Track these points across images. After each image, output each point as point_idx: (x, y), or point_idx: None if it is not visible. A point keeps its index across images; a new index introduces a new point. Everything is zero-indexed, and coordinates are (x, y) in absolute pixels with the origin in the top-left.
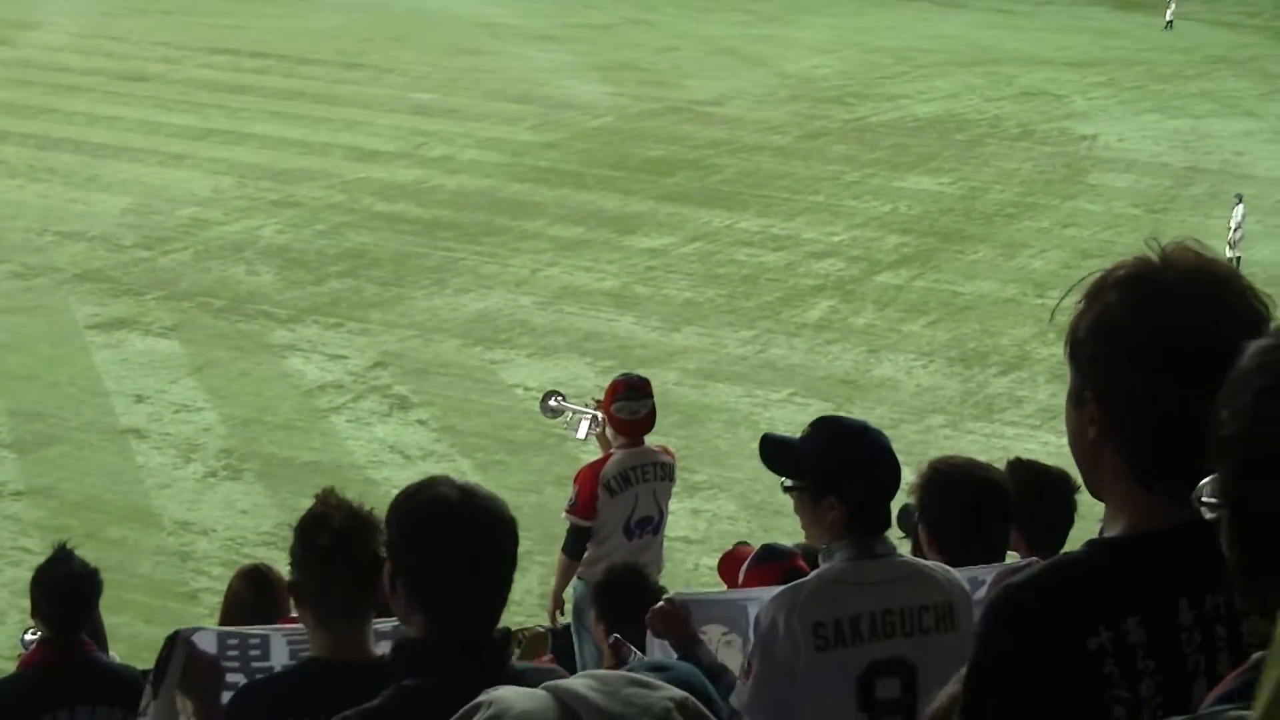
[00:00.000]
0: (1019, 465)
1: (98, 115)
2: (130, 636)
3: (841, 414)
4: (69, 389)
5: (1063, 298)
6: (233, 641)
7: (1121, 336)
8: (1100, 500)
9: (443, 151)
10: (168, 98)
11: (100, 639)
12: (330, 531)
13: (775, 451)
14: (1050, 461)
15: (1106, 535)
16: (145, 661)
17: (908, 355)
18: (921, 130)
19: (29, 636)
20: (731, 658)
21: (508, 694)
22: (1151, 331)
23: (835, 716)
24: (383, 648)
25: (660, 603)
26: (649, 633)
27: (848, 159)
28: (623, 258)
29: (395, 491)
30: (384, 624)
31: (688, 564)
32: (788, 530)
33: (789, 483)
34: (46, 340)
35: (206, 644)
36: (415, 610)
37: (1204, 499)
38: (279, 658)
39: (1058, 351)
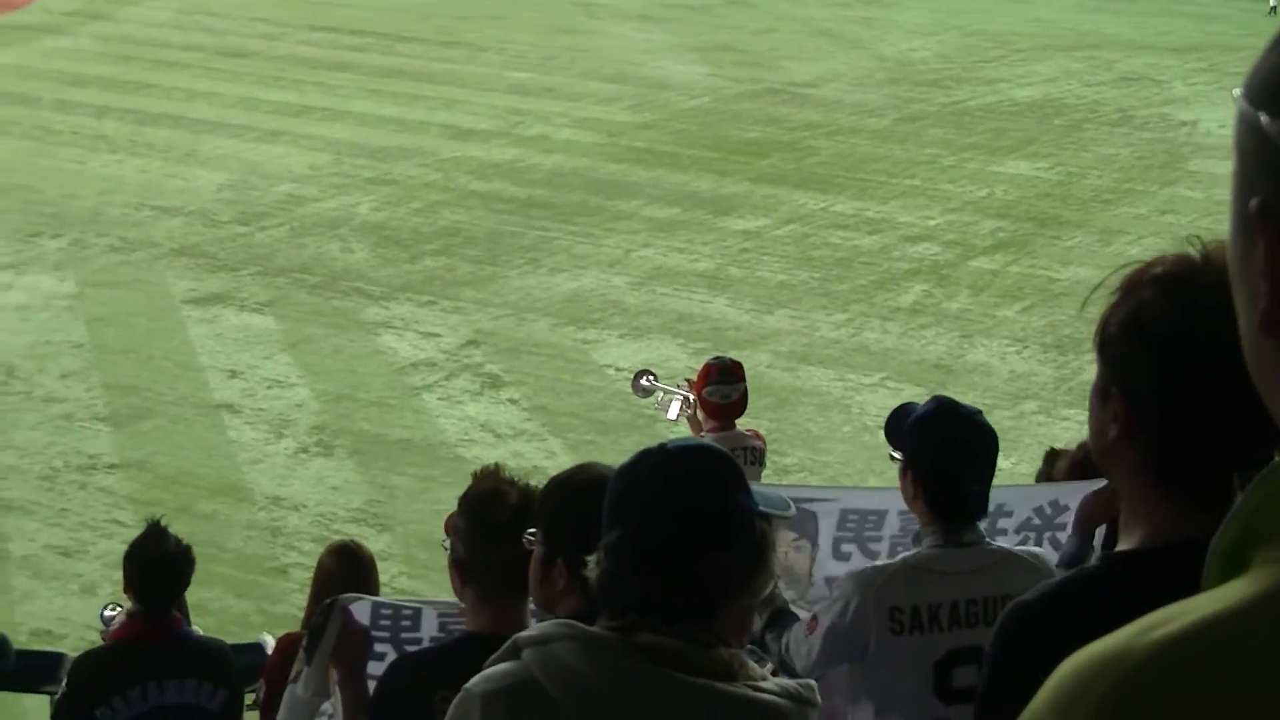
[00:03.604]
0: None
1: (197, 91)
2: (220, 610)
3: (954, 397)
4: (164, 363)
5: (1095, 289)
6: (386, 612)
7: (1153, 336)
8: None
9: (539, 131)
10: (266, 74)
11: (183, 613)
12: (508, 508)
13: (893, 419)
14: None
15: (1121, 548)
16: (234, 635)
17: (1002, 341)
18: (1019, 114)
19: (108, 613)
20: (800, 563)
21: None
22: (1183, 333)
23: (908, 700)
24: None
25: None
26: None
27: (945, 143)
28: (717, 239)
29: None
30: None
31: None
32: None
33: (894, 452)
34: (143, 314)
35: (361, 614)
36: (571, 595)
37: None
38: (428, 630)
39: None
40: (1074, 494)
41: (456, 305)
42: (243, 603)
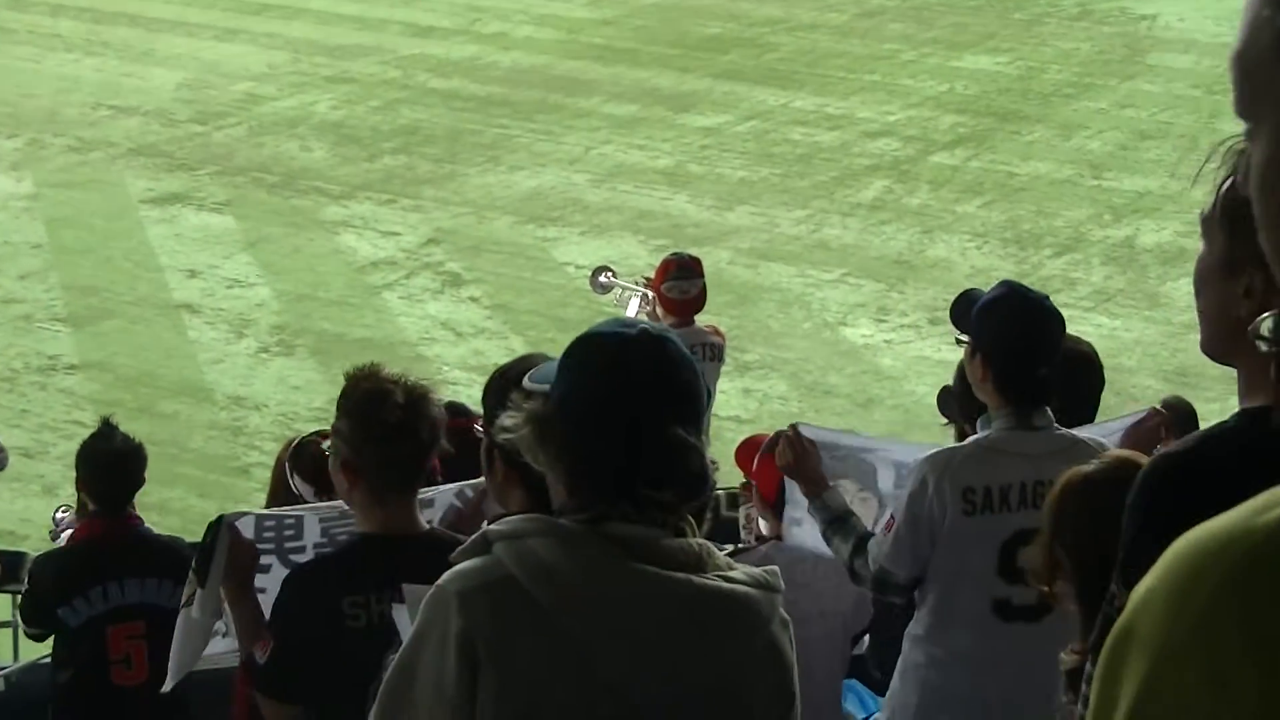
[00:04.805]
0: None
1: None
2: (183, 510)
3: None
4: (123, 263)
5: (1202, 167)
6: (269, 524)
7: None
8: (1228, 366)
9: (497, 28)
10: None
11: None
12: (396, 406)
13: (959, 303)
14: (1103, 343)
15: (1252, 404)
16: (196, 534)
17: (962, 236)
18: (980, 9)
19: (59, 514)
20: (866, 515)
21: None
22: None
23: (974, 579)
24: (428, 514)
25: (785, 430)
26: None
27: (905, 38)
28: (677, 136)
29: (447, 368)
30: (425, 493)
31: (738, 443)
32: (837, 410)
33: (960, 335)
34: (101, 215)
35: (246, 529)
36: (512, 485)
37: (1261, 334)
38: (311, 537)
39: (1113, 234)
40: (1112, 431)
41: (416, 204)
42: (205, 502)
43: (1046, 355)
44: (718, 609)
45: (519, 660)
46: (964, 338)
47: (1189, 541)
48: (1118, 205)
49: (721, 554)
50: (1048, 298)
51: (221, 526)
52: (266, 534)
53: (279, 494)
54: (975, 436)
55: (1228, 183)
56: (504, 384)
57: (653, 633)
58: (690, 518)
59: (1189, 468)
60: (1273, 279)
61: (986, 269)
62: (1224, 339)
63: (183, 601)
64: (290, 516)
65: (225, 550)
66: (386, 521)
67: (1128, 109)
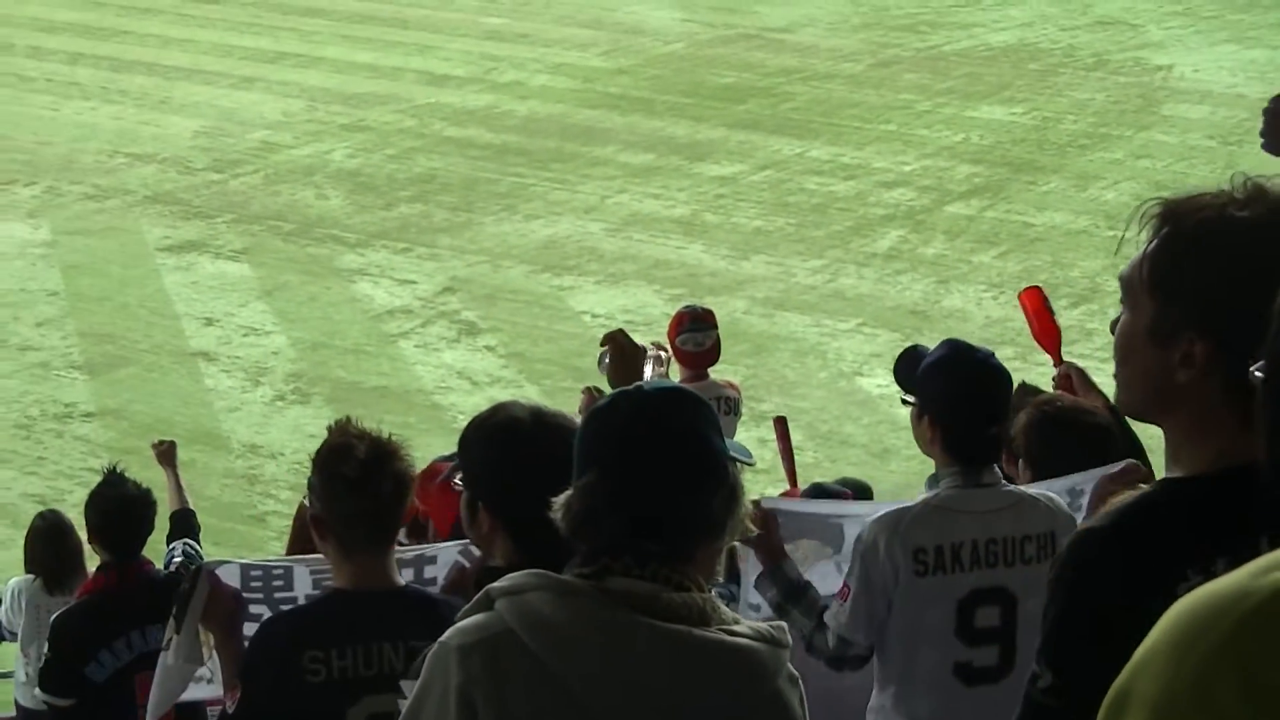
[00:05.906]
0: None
1: (171, 38)
2: None
3: (965, 340)
4: (139, 311)
5: (1127, 229)
6: (256, 574)
7: (1256, 272)
8: (1157, 425)
9: (513, 77)
10: (240, 20)
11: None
12: (355, 461)
13: (903, 362)
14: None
15: (1176, 474)
16: None
17: (978, 286)
18: (995, 59)
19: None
20: (826, 576)
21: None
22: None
23: (932, 641)
24: (406, 576)
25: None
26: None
27: (920, 88)
28: (692, 185)
29: (462, 417)
30: (405, 552)
31: (752, 493)
32: (853, 460)
33: (905, 396)
34: (118, 262)
35: (230, 577)
36: (498, 536)
37: (1256, 371)
38: (302, 588)
39: None
40: (1089, 479)
41: (432, 252)
42: (221, 550)
43: (996, 415)
44: (717, 662)
45: (516, 713)
46: (910, 399)
47: (1189, 603)
48: (1128, 253)
49: (729, 610)
50: (993, 354)
51: (200, 573)
52: (254, 583)
53: (299, 543)
54: (924, 496)
55: (1152, 246)
56: (480, 436)
57: (650, 685)
58: (697, 576)
59: (1112, 543)
60: (1214, 348)
61: (1002, 319)
62: (1151, 404)
63: (163, 645)
64: (279, 566)
65: (203, 597)
66: (356, 576)
67: (1143, 159)
